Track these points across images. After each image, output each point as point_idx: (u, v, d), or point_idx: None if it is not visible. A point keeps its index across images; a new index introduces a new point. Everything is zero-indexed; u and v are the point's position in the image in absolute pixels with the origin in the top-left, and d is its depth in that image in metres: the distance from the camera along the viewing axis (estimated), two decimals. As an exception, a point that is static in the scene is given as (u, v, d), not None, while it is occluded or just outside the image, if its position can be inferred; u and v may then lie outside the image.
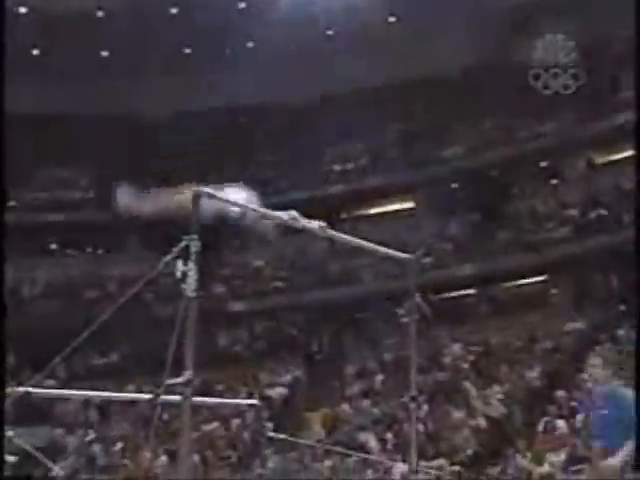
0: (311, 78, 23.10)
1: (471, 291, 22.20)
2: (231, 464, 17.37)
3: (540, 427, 14.00)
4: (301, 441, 14.52)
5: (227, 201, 5.41)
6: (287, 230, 6.40)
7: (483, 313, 21.37)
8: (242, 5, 23.04)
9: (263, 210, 6.01)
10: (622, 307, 17.18)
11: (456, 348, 18.54)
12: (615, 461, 5.38)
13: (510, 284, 21.92)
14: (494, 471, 13.72)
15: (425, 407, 15.78)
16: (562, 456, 12.58)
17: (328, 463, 15.52)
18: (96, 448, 18.84)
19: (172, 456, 15.34)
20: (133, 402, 16.94)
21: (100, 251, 25.48)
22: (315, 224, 6.19)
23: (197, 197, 5.10)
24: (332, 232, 6.49)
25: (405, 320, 7.09)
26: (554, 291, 21.40)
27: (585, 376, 5.78)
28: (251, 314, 22.92)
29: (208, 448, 17.51)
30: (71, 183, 25.37)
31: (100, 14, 23.09)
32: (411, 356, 7.02)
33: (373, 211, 24.68)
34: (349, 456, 14.69)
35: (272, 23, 22.63)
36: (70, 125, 23.43)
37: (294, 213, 6.00)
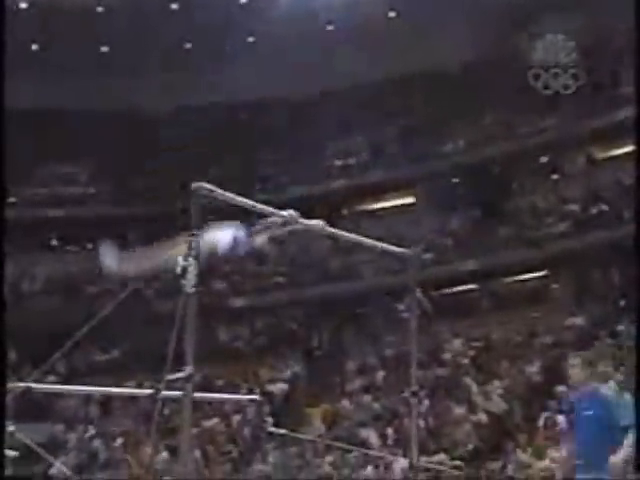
0: (311, 73, 23.07)
1: (472, 286, 22.20)
2: (232, 459, 17.39)
3: (540, 422, 14.01)
4: (302, 436, 14.53)
5: (225, 197, 5.39)
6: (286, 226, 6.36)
7: (484, 308, 21.38)
8: (243, 0, 23.01)
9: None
10: (622, 302, 17.18)
11: (457, 343, 18.56)
12: (617, 459, 5.37)
13: (510, 279, 21.92)
14: (495, 466, 13.73)
15: (426, 402, 15.79)
16: (563, 451, 12.57)
17: (329, 458, 15.54)
18: (97, 444, 18.86)
19: (173, 451, 15.35)
20: (134, 398, 16.98)
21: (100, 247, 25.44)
22: (314, 223, 6.17)
23: (198, 192, 5.10)
24: (331, 230, 6.48)
25: (405, 315, 7.10)
26: (554, 286, 21.40)
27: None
28: (252, 310, 22.93)
29: (209, 443, 17.53)
30: (71, 179, 25.37)
31: (100, 9, 23.07)
32: (411, 351, 7.02)
33: (373, 206, 24.67)
34: (350, 451, 14.71)
35: (272, 18, 22.61)
36: (70, 121, 23.41)
37: (293, 213, 5.97)
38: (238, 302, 22.91)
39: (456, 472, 12.77)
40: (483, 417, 15.33)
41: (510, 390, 16.18)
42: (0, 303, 5.11)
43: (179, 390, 4.86)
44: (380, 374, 19.13)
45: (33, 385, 6.01)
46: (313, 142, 24.20)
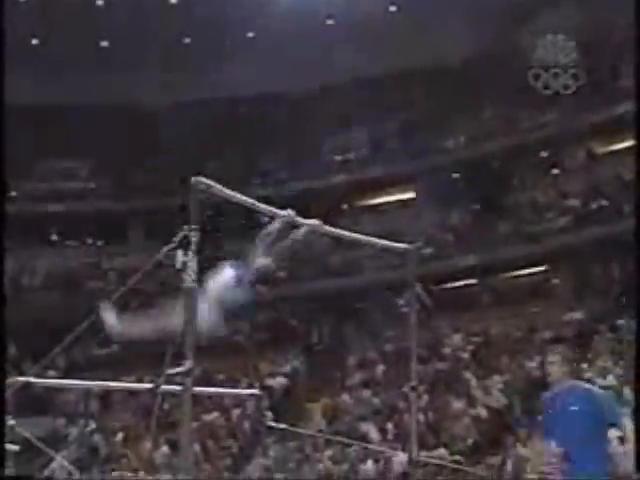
0: (311, 68, 23.05)
1: (471, 281, 22.22)
2: (232, 454, 17.42)
3: (540, 417, 13.99)
4: (302, 431, 14.55)
5: (224, 192, 5.40)
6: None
7: (483, 303, 21.39)
8: (242, -5, 22.99)
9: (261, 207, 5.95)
10: (622, 297, 17.19)
11: (456, 338, 18.57)
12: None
13: (510, 274, 21.93)
14: (494, 461, 13.75)
15: (425, 397, 15.81)
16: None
17: (329, 453, 15.56)
18: (97, 438, 18.89)
19: (173, 446, 15.38)
20: (134, 392, 16.99)
21: (100, 242, 25.48)
22: (312, 222, 6.19)
23: (196, 187, 5.11)
24: (329, 229, 6.49)
25: (405, 310, 7.11)
26: (554, 281, 21.42)
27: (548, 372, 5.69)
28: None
29: (209, 438, 17.56)
30: (71, 174, 25.35)
31: (100, 3, 23.05)
32: (411, 346, 7.03)
33: (373, 201, 24.68)
34: (350, 446, 14.74)
35: (272, 13, 22.58)
36: (70, 115, 23.39)
37: (291, 212, 6.00)
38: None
39: (456, 466, 12.78)
40: (483, 412, 15.35)
41: (510, 385, 16.19)
42: (0, 298, 5.12)
43: (179, 384, 4.87)
44: (380, 369, 19.15)
45: (33, 379, 6.03)
46: (313, 137, 24.20)
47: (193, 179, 5.11)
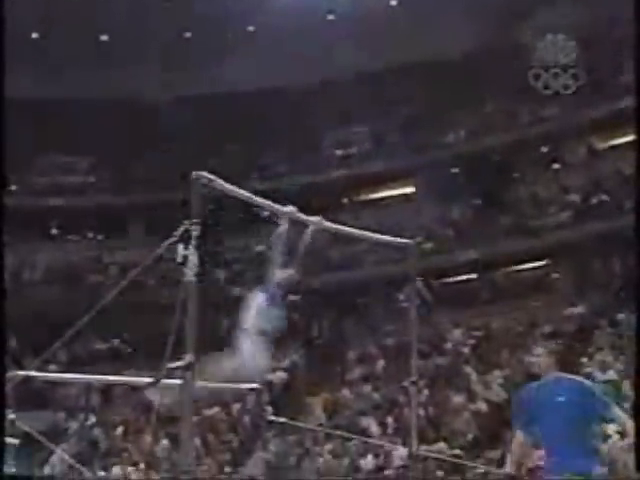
0: (311, 62, 23.02)
1: (472, 276, 22.22)
2: (232, 448, 17.44)
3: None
4: (302, 425, 14.57)
5: (225, 187, 5.40)
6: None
7: (484, 298, 21.40)
8: (242, -11, 22.96)
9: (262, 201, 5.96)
10: (622, 292, 17.19)
11: (457, 333, 18.58)
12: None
13: (511, 269, 21.94)
14: (494, 455, 13.76)
15: (426, 392, 15.82)
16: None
17: (329, 447, 15.57)
18: (97, 432, 18.91)
19: (173, 440, 15.40)
20: (134, 386, 16.98)
21: (100, 236, 25.49)
22: (313, 219, 6.22)
23: (197, 182, 5.11)
24: (330, 224, 6.50)
25: (406, 305, 7.12)
26: (555, 276, 21.42)
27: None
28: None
29: (209, 432, 17.57)
30: (71, 168, 25.34)
31: (100, -3, 23.02)
32: (412, 341, 7.04)
33: (374, 196, 24.67)
34: (350, 440, 14.75)
35: (273, 7, 22.55)
36: (70, 110, 23.37)
37: (292, 209, 6.03)
38: (238, 291, 22.92)
39: (456, 461, 12.80)
40: (483, 406, 15.36)
41: (510, 379, 16.20)
42: (0, 292, 5.12)
43: (180, 379, 4.87)
44: (380, 363, 19.16)
45: (34, 373, 6.03)
46: (313, 132, 24.18)
47: (194, 173, 5.11)
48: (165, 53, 23.83)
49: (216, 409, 18.36)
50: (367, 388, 18.20)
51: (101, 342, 22.81)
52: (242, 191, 5.63)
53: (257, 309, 5.90)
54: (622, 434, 9.32)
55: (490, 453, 13.90)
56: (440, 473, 12.94)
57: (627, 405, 12.21)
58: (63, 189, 24.42)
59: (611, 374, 14.39)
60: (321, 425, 16.28)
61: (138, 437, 17.27)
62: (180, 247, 4.91)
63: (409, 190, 24.22)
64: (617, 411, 5.32)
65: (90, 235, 25.61)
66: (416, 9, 22.16)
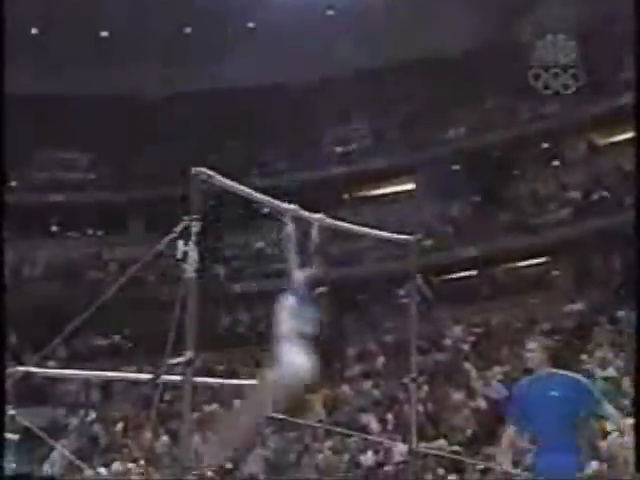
0: (311, 59, 23.00)
1: (472, 273, 22.22)
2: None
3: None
4: (302, 422, 14.57)
5: (225, 183, 5.40)
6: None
7: (484, 295, 21.40)
8: (242, -15, 22.92)
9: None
10: (622, 289, 17.19)
11: (457, 329, 18.57)
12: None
13: (511, 266, 21.93)
14: (493, 451, 13.77)
15: (425, 388, 15.83)
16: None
17: (328, 443, 15.58)
18: (97, 428, 18.92)
19: (173, 436, 15.41)
20: (134, 382, 17.01)
21: (100, 232, 25.48)
22: (317, 217, 6.25)
23: (197, 178, 5.10)
24: (332, 221, 6.52)
25: (406, 301, 7.12)
26: (555, 273, 21.42)
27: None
28: (252, 295, 22.93)
29: (209, 428, 17.57)
30: (71, 164, 25.33)
31: (100, -7, 22.99)
32: (411, 337, 7.05)
33: (374, 193, 24.65)
34: (349, 437, 14.76)
35: (272, 3, 22.52)
36: (70, 106, 23.35)
37: (295, 207, 6.04)
38: (239, 287, 22.93)
39: (455, 457, 12.81)
40: (482, 403, 15.37)
41: (510, 376, 16.20)
42: (0, 288, 5.12)
43: (180, 375, 4.87)
44: (380, 360, 19.16)
45: (34, 369, 6.04)
46: (313, 128, 24.16)
47: (194, 170, 5.11)
48: (165, 49, 23.80)
49: (216, 405, 18.37)
50: (367, 384, 18.21)
51: (101, 338, 22.82)
52: (242, 187, 5.62)
53: (290, 313, 5.86)
54: (622, 431, 9.28)
55: (489, 449, 13.91)
56: (440, 469, 12.95)
57: (627, 402, 12.24)
58: (63, 185, 24.40)
59: (611, 371, 14.40)
60: (321, 422, 16.29)
61: (138, 433, 17.27)
62: (180, 243, 4.91)
63: (409, 187, 24.20)
64: (609, 408, 5.32)
65: (90, 231, 25.61)
66: (416, 6, 22.13)
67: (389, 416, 16.01)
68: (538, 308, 19.35)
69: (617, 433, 10.26)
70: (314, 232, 6.21)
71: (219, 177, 5.28)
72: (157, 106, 24.53)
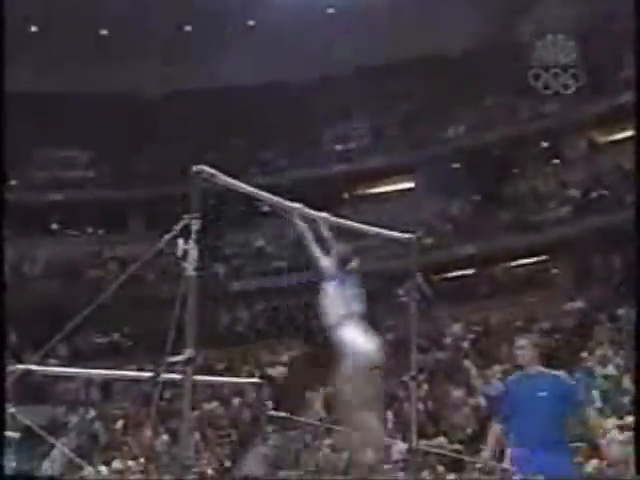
0: (311, 57, 22.98)
1: (472, 271, 22.22)
2: (231, 442, 17.46)
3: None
4: (302, 420, 14.58)
5: (226, 181, 5.39)
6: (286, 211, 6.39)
7: (483, 293, 21.40)
8: (242, -17, 22.91)
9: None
10: (622, 287, 17.20)
11: (456, 327, 18.57)
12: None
13: (511, 264, 21.93)
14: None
15: (425, 386, 15.83)
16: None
17: (328, 442, 15.59)
18: (97, 426, 18.94)
19: (173, 434, 15.43)
20: (134, 380, 17.03)
21: (101, 231, 25.48)
22: (322, 215, 6.28)
23: (198, 176, 5.10)
24: (336, 220, 6.54)
25: (405, 300, 7.12)
26: (555, 271, 21.42)
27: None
28: (252, 293, 22.95)
29: (209, 426, 17.60)
30: (71, 162, 25.32)
31: (99, -9, 22.97)
32: (411, 335, 7.05)
33: (374, 191, 24.65)
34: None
35: (272, 1, 22.51)
36: (69, 104, 23.34)
37: (299, 205, 6.07)
38: (238, 286, 22.94)
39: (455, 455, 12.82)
40: (482, 401, 15.37)
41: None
42: (0, 286, 5.12)
43: (180, 373, 4.87)
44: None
45: (34, 367, 6.04)
46: (313, 127, 24.16)
47: (194, 168, 5.10)
48: (165, 48, 23.79)
49: (216, 403, 18.40)
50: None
51: (101, 336, 22.84)
52: (245, 185, 5.62)
53: (337, 299, 5.91)
54: (621, 428, 9.33)
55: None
56: (440, 467, 12.96)
57: (627, 400, 12.25)
58: (63, 183, 24.40)
59: (611, 369, 14.41)
60: (321, 420, 16.30)
61: (138, 431, 17.29)
62: (180, 241, 4.91)
63: (409, 185, 24.20)
64: (588, 411, 5.34)
65: (90, 229, 25.61)
66: (417, 5, 22.11)
67: (389, 414, 16.01)
68: (538, 306, 19.36)
69: (616, 431, 10.27)
70: (323, 228, 6.26)
71: (220, 175, 5.28)
72: (157, 104, 24.53)
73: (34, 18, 22.85)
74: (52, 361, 16.44)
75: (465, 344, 17.92)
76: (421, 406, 14.20)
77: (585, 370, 14.60)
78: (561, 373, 5.61)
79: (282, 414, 8.89)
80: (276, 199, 5.98)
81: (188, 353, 4.82)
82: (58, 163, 25.10)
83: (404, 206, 22.71)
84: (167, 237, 4.95)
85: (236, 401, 18.52)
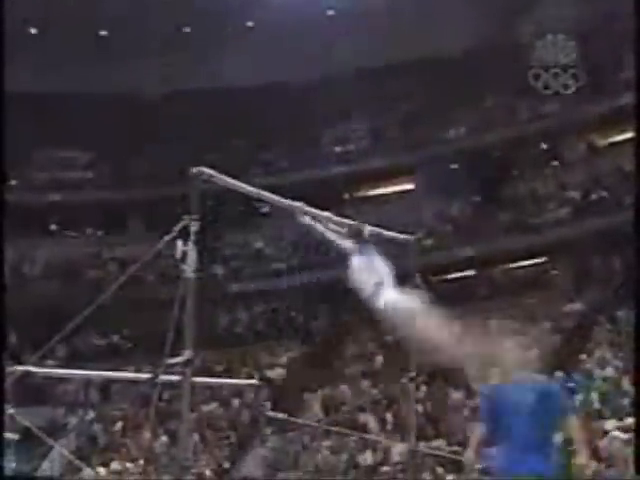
0: (311, 58, 22.97)
1: (471, 272, 22.20)
2: (230, 444, 17.45)
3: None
4: (300, 421, 14.58)
5: (225, 182, 5.39)
6: (286, 211, 6.40)
7: (482, 294, 21.37)
8: (242, -16, 22.89)
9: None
10: (622, 289, 17.20)
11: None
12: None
13: (510, 265, 21.92)
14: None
15: (424, 388, 15.83)
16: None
17: (327, 443, 15.59)
18: (96, 427, 18.93)
19: (172, 436, 15.42)
20: (133, 382, 17.03)
21: (100, 232, 25.47)
22: (324, 215, 6.29)
23: (197, 177, 5.10)
24: (338, 219, 6.55)
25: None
26: (554, 272, 21.41)
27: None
28: (251, 295, 22.93)
29: (208, 428, 17.59)
30: (70, 163, 25.31)
31: (99, -9, 22.95)
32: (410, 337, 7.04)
33: (374, 192, 24.65)
34: (348, 436, 14.77)
35: (272, 2, 22.50)
36: (69, 104, 23.32)
37: (301, 205, 6.08)
38: (237, 287, 22.92)
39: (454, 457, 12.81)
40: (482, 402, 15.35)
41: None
42: (0, 287, 5.12)
43: (179, 374, 4.87)
44: (379, 359, 19.15)
45: (33, 369, 6.03)
46: (313, 128, 24.15)
47: (194, 169, 5.10)
48: (164, 48, 23.77)
49: (214, 405, 18.39)
50: (366, 384, 18.20)
51: (100, 338, 22.82)
52: (245, 186, 5.62)
53: (365, 270, 5.95)
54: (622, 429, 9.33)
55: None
56: (439, 469, 12.95)
57: (626, 401, 12.24)
58: (62, 184, 24.38)
59: (610, 371, 14.41)
60: (319, 421, 16.30)
61: (137, 432, 17.29)
62: (179, 243, 4.90)
63: (408, 186, 24.19)
64: (572, 420, 5.30)
65: (89, 230, 25.59)
66: (416, 5, 22.10)
67: (388, 416, 16.01)
68: (537, 308, 19.33)
69: (618, 432, 10.27)
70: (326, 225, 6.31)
71: (220, 176, 5.27)
72: (157, 105, 24.52)
73: (33, 20, 22.84)
74: (51, 362, 16.45)
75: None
76: (420, 408, 14.19)
77: (584, 372, 14.62)
78: (549, 379, 5.58)
79: (281, 415, 8.88)
80: (277, 198, 5.98)
81: (187, 354, 4.82)
82: (58, 164, 25.08)
83: (404, 207, 22.69)
84: (166, 239, 4.95)
85: (235, 402, 18.51)
